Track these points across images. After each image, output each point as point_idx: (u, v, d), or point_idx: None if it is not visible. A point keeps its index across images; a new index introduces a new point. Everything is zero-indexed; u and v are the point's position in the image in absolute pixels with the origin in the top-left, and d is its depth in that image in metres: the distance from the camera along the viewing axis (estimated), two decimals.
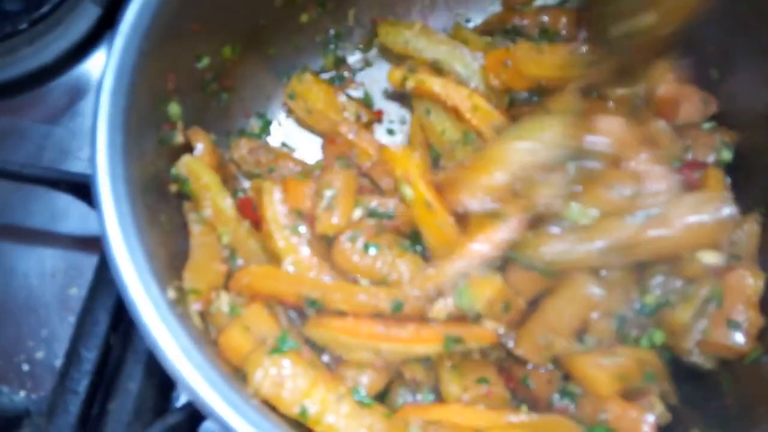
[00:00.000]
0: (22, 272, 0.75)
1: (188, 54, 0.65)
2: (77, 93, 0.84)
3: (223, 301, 0.58)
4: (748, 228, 0.66)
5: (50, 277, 0.75)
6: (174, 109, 0.63)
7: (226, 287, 0.60)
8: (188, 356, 0.47)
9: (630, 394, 0.58)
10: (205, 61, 0.67)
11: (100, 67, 0.83)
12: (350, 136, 0.69)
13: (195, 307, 0.57)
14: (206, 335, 0.57)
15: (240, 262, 0.62)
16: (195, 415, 0.61)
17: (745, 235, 0.65)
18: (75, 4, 0.84)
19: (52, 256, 0.76)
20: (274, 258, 0.62)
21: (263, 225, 0.63)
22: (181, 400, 0.70)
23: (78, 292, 0.74)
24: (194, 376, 0.47)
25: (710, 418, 0.60)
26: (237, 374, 0.54)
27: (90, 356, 0.65)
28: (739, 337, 0.59)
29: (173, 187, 0.64)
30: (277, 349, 0.53)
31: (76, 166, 0.80)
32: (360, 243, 0.60)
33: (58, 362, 0.71)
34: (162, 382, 0.69)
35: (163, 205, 0.61)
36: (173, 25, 0.59)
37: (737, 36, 0.69)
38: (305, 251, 0.61)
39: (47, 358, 0.72)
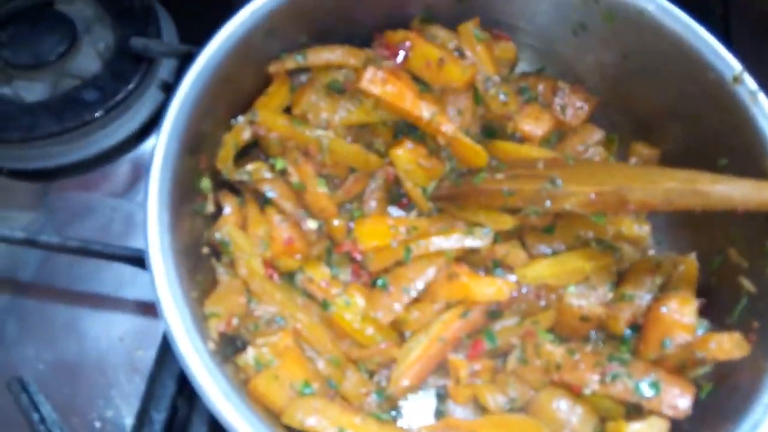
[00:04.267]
0: (93, 336, 0.82)
1: (216, 138, 0.74)
2: (142, 169, 0.92)
3: (250, 355, 0.65)
4: (685, 267, 0.73)
5: (118, 341, 0.82)
6: (205, 183, 0.72)
7: (252, 343, 0.68)
8: (228, 398, 0.57)
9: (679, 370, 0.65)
10: None
11: None
12: None
13: (218, 328, 0.64)
14: (235, 377, 0.64)
15: (255, 303, 0.71)
16: None
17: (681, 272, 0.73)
18: (144, 91, 0.93)
19: (120, 321, 0.83)
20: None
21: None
22: None
23: (144, 354, 0.81)
24: (235, 417, 0.56)
25: None
26: (267, 413, 0.62)
27: (159, 417, 0.71)
28: None
29: (205, 250, 0.72)
30: (302, 394, 0.64)
31: (141, 237, 0.85)
32: None
33: (126, 421, 0.78)
34: None
35: (198, 266, 0.69)
36: (204, 118, 0.69)
37: None
38: None
39: (116, 416, 0.78)
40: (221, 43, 0.70)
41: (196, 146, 0.69)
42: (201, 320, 0.62)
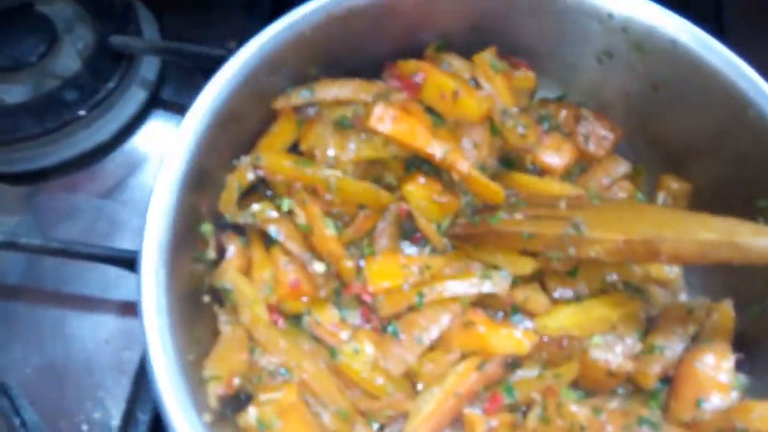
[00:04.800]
0: (80, 338, 0.81)
1: (218, 179, 0.71)
2: (127, 167, 0.92)
3: (251, 415, 0.62)
4: (719, 315, 0.68)
5: (105, 342, 0.81)
6: (207, 228, 0.69)
7: (253, 398, 0.64)
8: None
9: None
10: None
11: (148, 142, 0.94)
12: None
13: (218, 391, 0.61)
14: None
15: (259, 353, 0.67)
16: None
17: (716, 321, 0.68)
18: (125, 89, 0.92)
19: (107, 322, 0.82)
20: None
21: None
22: None
23: (130, 356, 0.80)
24: None
25: None
26: None
27: (144, 418, 0.71)
28: None
29: (206, 298, 0.69)
30: None
31: (126, 236, 0.87)
32: None
33: (113, 422, 0.77)
34: None
35: (198, 318, 0.66)
36: (206, 158, 0.66)
37: None
38: None
39: (103, 418, 0.77)
40: (226, 79, 0.66)
41: (198, 189, 0.66)
42: (198, 385, 0.59)
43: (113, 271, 0.80)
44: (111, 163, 0.92)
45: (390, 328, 0.70)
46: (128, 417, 0.71)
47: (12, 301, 0.83)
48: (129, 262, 0.74)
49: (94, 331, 0.81)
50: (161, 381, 0.54)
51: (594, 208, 0.69)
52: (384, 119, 0.69)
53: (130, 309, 0.82)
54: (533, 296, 0.71)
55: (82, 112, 0.88)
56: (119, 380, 0.78)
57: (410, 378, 0.70)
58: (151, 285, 0.57)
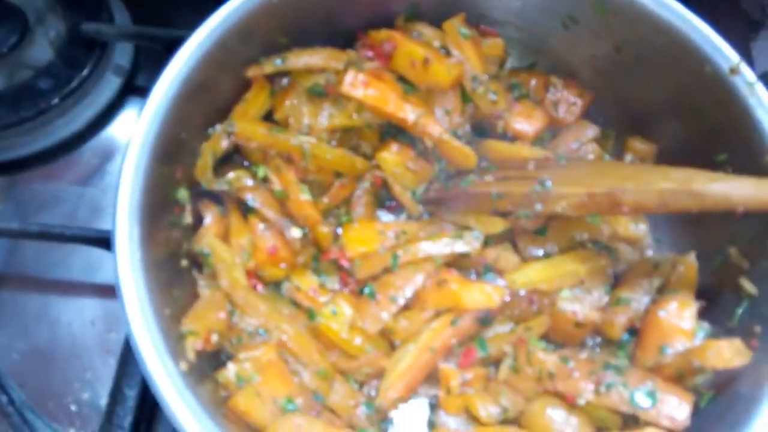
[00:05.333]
0: (65, 321, 0.82)
1: (193, 147, 0.72)
2: (105, 154, 0.93)
3: (231, 371, 0.64)
4: (684, 268, 0.71)
5: (90, 325, 0.82)
6: (182, 194, 0.70)
7: (232, 358, 0.66)
8: (201, 423, 0.54)
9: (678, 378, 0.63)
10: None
11: (125, 129, 0.95)
12: None
13: (196, 346, 0.62)
14: (214, 393, 0.63)
15: (238, 316, 0.69)
16: None
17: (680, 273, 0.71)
18: (99, 76, 0.93)
19: (91, 305, 0.83)
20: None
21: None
22: None
23: (116, 336, 0.81)
24: None
25: None
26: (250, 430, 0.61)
27: (132, 393, 0.72)
28: None
29: (184, 262, 0.70)
30: (285, 410, 0.62)
31: (108, 222, 0.83)
32: None
33: (102, 401, 0.78)
34: None
35: (176, 280, 0.67)
36: (179, 127, 0.67)
37: None
38: None
39: (92, 398, 0.78)
40: (195, 48, 0.67)
41: (171, 156, 0.67)
42: (176, 339, 0.60)
43: (95, 255, 0.81)
44: (89, 151, 0.93)
45: (366, 290, 0.72)
46: (116, 393, 0.72)
47: None
48: (109, 242, 0.74)
49: (78, 314, 0.82)
50: (134, 322, 0.56)
51: (560, 167, 0.71)
52: (356, 84, 0.71)
53: (113, 291, 0.82)
54: (504, 255, 0.74)
55: (56, 101, 0.88)
56: (106, 361, 0.79)
57: (387, 337, 0.72)
58: (124, 238, 0.58)
